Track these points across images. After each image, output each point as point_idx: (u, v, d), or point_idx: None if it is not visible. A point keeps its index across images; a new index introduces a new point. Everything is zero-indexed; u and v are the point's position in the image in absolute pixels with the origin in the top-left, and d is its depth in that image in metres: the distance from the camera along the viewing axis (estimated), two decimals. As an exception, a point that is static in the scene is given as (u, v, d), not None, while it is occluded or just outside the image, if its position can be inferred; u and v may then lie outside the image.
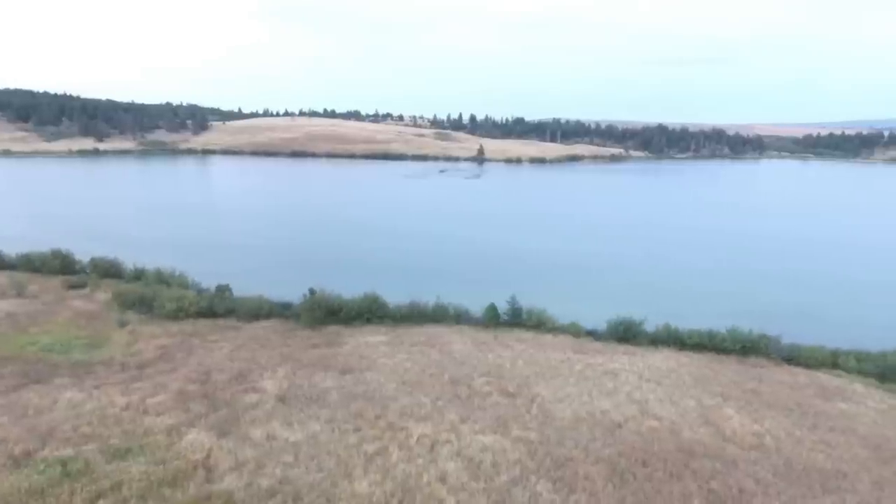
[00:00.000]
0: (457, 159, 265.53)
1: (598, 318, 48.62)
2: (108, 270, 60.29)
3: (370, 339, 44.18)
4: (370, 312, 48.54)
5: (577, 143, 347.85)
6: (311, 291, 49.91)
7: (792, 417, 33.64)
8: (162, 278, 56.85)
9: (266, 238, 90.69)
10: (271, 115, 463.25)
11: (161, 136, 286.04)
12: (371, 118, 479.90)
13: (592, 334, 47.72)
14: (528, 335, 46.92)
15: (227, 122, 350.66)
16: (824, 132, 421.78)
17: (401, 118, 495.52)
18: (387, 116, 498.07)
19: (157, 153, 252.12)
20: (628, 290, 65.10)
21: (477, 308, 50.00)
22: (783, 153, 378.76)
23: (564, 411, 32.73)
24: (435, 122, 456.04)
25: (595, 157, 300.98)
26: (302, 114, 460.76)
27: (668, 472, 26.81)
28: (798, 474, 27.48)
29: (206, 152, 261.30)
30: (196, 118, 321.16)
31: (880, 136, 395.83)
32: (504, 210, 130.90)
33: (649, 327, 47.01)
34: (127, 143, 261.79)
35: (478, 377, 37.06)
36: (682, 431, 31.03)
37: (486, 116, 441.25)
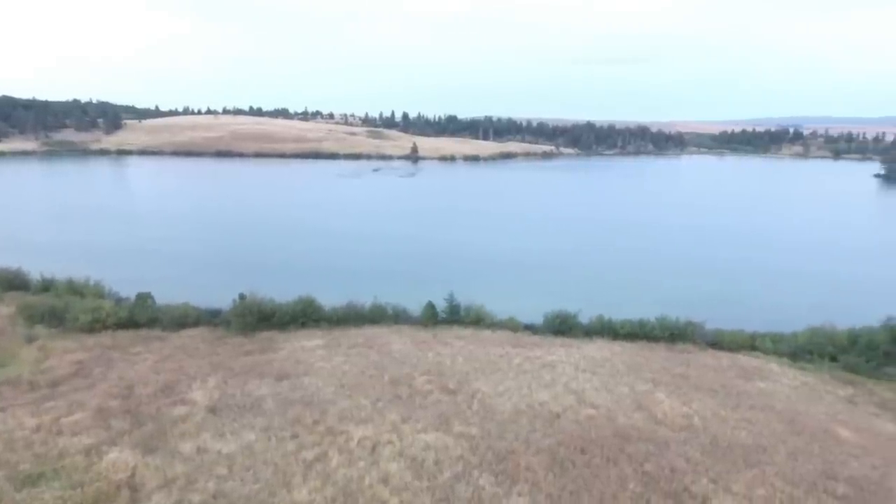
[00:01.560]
0: (390, 158, 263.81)
1: (535, 312, 49.47)
2: (11, 282, 55.22)
3: (306, 344, 42.98)
4: (305, 316, 47.21)
5: (510, 140, 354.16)
6: (242, 296, 48.00)
7: (717, 398, 35.43)
8: (74, 288, 52.80)
9: (190, 242, 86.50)
10: (192, 113, 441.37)
11: (69, 135, 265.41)
12: (300, 116, 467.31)
13: (530, 328, 48.49)
14: (467, 332, 47.10)
15: (144, 121, 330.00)
16: (738, 129, 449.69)
17: (331, 116, 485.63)
18: (317, 114, 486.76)
19: (65, 154, 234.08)
20: (563, 284, 66.78)
21: (415, 307, 49.72)
22: (702, 149, 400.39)
23: (505, 405, 33.03)
24: (367, 121, 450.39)
25: (528, 155, 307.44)
26: (226, 112, 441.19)
27: (605, 457, 27.55)
28: (723, 451, 28.92)
29: (122, 153, 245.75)
30: (108, 116, 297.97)
31: (786, 132, 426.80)
32: (440, 208, 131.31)
33: (584, 319, 48.32)
34: (29, 144, 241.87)
35: (418, 376, 36.80)
36: (617, 418, 32.01)
37: (419, 114, 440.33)
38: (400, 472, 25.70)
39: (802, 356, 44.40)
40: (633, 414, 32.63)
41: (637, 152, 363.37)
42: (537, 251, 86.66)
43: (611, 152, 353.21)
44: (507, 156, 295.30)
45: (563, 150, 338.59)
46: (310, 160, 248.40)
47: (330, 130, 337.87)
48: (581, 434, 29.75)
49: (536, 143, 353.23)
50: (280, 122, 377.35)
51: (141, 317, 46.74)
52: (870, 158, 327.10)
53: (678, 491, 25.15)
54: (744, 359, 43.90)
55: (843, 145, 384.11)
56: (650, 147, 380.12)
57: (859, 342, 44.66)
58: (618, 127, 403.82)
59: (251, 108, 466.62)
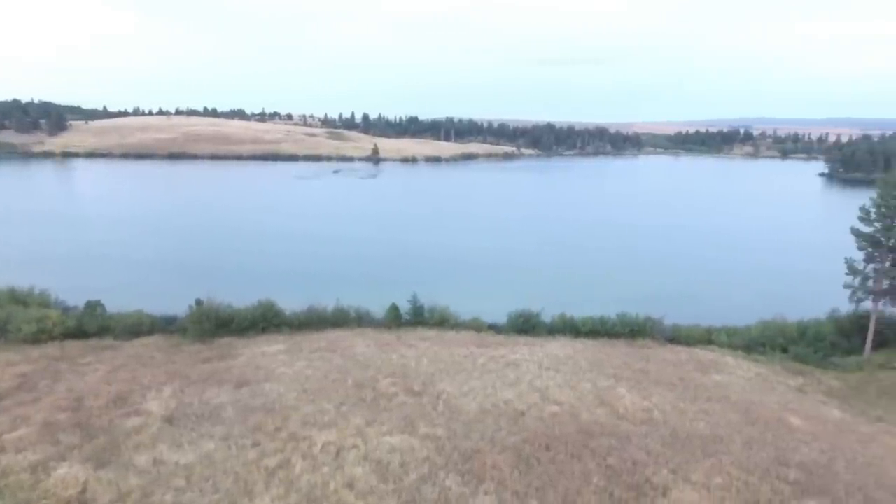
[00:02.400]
0: (351, 159, 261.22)
1: (498, 312, 49.77)
2: (-56, 293, 52.23)
3: (267, 349, 42.07)
4: (265, 321, 46.25)
5: (472, 141, 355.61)
6: (198, 302, 46.64)
7: (676, 391, 36.31)
8: (17, 298, 49.96)
9: (143, 248, 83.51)
10: (143, 113, 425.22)
11: (8, 136, 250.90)
12: (257, 117, 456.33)
13: (494, 328, 48.77)
14: (431, 333, 46.98)
15: (91, 122, 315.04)
16: (692, 130, 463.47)
17: (290, 117, 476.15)
18: (274, 115, 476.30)
19: (4, 157, 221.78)
20: (526, 284, 67.38)
21: (379, 309, 49.36)
22: (658, 149, 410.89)
23: (470, 405, 33.03)
24: (326, 122, 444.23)
25: (489, 156, 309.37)
26: (179, 113, 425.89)
27: (569, 453, 27.83)
28: (683, 442, 29.62)
29: (67, 155, 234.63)
30: (51, 117, 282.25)
31: (738, 133, 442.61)
32: (402, 209, 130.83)
33: (546, 318, 48.92)
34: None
35: (382, 378, 36.47)
36: (580, 414, 32.41)
37: (380, 115, 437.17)
38: (365, 475, 25.37)
39: (755, 348, 46.03)
40: (595, 409, 33.10)
41: (596, 153, 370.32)
42: (500, 251, 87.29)
43: (570, 153, 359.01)
44: (469, 157, 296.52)
45: (524, 150, 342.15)
46: (268, 162, 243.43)
47: (288, 131, 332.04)
48: (545, 431, 29.99)
49: (498, 143, 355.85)
50: (236, 122, 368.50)
51: (90, 326, 44.88)
52: (815, 158, 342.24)
53: (640, 483, 25.60)
54: (701, 352, 45.16)
55: (790, 145, 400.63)
56: (608, 147, 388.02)
57: (807, 334, 46.62)
58: (577, 128, 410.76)
59: (206, 108, 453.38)
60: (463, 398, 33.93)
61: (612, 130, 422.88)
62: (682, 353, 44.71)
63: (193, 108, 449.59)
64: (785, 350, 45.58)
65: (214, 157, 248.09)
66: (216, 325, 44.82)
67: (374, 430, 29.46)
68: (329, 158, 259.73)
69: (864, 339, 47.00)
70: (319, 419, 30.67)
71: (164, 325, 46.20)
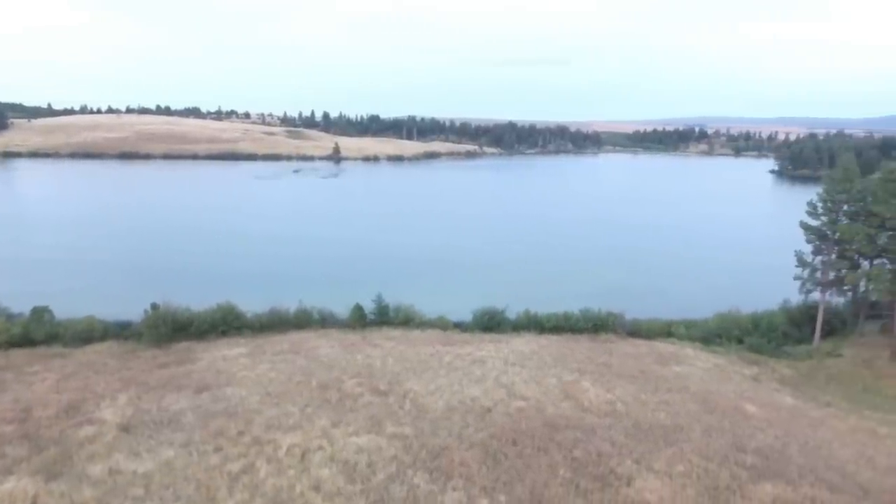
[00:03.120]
0: (312, 158, 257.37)
1: (463, 310, 49.91)
2: None
3: (228, 353, 41.05)
4: (225, 324, 45.15)
5: (434, 140, 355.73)
6: (154, 306, 45.13)
7: (637, 384, 37.09)
8: (-45, 305, 47.73)
9: (94, 251, 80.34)
10: (91, 111, 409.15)
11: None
12: (213, 116, 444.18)
13: (459, 326, 48.90)
14: (396, 332, 46.74)
15: (35, 121, 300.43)
16: (650, 128, 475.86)
17: (247, 116, 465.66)
18: (231, 114, 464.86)
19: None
20: (491, 281, 67.74)
21: (343, 310, 48.83)
22: (617, 147, 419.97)
23: (437, 403, 32.98)
24: (286, 120, 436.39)
25: (452, 154, 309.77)
26: (130, 111, 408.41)
27: (535, 447, 28.06)
28: (645, 433, 30.26)
29: (8, 155, 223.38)
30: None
31: (693, 131, 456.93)
32: (365, 209, 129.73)
33: (511, 315, 49.32)
34: None
35: (348, 379, 36.07)
36: (546, 408, 32.74)
37: (341, 114, 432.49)
38: (332, 477, 25.00)
39: (713, 340, 47.52)
40: (560, 403, 33.50)
41: (557, 151, 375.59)
42: (465, 249, 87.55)
43: (532, 151, 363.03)
44: (432, 155, 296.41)
45: (486, 149, 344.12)
46: (225, 162, 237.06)
47: (246, 130, 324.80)
48: (512, 426, 30.18)
49: (460, 142, 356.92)
50: (191, 121, 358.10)
51: (38, 333, 42.91)
52: (765, 156, 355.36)
53: (605, 473, 26.01)
54: (661, 345, 46.29)
55: (743, 143, 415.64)
56: (569, 146, 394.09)
57: (761, 325, 48.37)
58: (538, 127, 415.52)
59: (159, 106, 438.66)
60: (430, 396, 33.84)
61: (573, 129, 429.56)
62: (642, 346, 45.72)
63: (145, 107, 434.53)
64: (740, 341, 47.19)
65: (168, 156, 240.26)
66: (173, 329, 43.50)
67: (340, 431, 29.09)
68: (289, 158, 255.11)
69: (814, 328, 49.10)
70: (284, 422, 30.09)
71: (118, 331, 44.56)
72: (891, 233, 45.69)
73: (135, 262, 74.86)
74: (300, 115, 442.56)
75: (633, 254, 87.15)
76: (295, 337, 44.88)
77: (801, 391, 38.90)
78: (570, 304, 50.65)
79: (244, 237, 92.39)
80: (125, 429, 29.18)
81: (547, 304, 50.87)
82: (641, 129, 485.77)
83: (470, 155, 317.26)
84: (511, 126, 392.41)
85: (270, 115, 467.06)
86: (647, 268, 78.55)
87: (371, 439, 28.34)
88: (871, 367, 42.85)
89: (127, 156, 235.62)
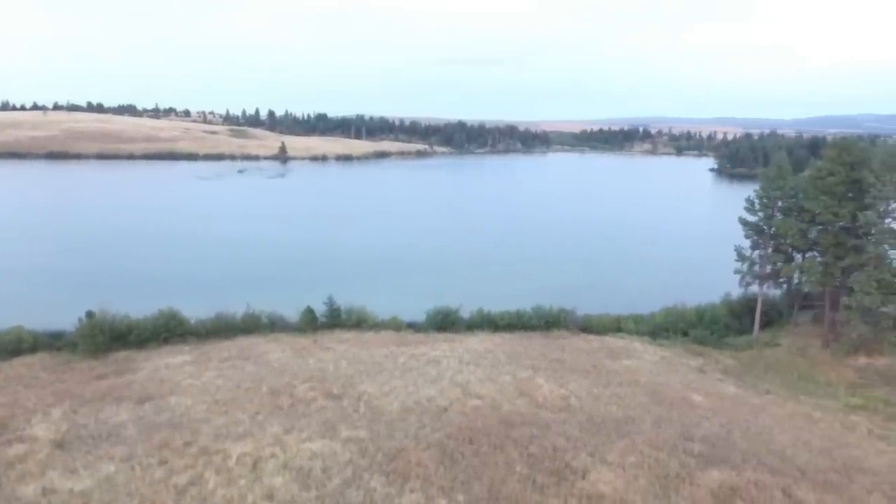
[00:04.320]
0: (257, 158, 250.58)
1: (417, 310, 49.64)
2: None
3: (171, 361, 39.38)
4: (168, 331, 43.31)
5: (384, 139, 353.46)
6: (90, 314, 42.71)
7: (590, 378, 37.79)
8: None
9: (19, 256, 75.47)
10: (13, 108, 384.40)
11: None
12: (151, 114, 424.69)
13: (413, 326, 48.60)
14: (349, 335, 46.03)
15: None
16: (596, 128, 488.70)
17: (187, 114, 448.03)
18: (170, 112, 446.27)
19: None
20: (444, 281, 67.69)
21: (293, 313, 47.69)
22: (565, 147, 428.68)
23: (392, 404, 32.61)
24: (229, 119, 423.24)
25: (402, 154, 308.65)
26: (58, 108, 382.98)
27: (492, 444, 28.12)
28: (598, 426, 30.83)
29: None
30: None
31: (637, 131, 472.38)
32: (314, 209, 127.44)
33: (465, 314, 49.41)
34: None
35: (300, 384, 35.20)
36: (501, 405, 32.89)
37: (287, 112, 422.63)
38: (285, 485, 24.28)
39: (660, 334, 49.05)
40: (515, 400, 33.73)
41: (507, 150, 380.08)
42: (417, 249, 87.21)
43: (482, 150, 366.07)
44: (382, 155, 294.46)
45: (436, 148, 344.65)
46: (164, 162, 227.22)
47: (186, 129, 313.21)
48: (468, 425, 30.14)
49: (410, 142, 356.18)
50: (127, 119, 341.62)
51: (-41, 347, 39.97)
52: (705, 154, 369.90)
53: (560, 468, 26.31)
54: (611, 340, 47.37)
55: (684, 143, 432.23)
56: (518, 145, 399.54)
57: (705, 318, 50.30)
58: (488, 126, 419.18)
59: (90, 103, 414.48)
60: (384, 398, 33.43)
61: (522, 129, 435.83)
62: (594, 341, 46.67)
63: (75, 103, 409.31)
64: (686, 334, 48.90)
65: (102, 156, 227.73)
66: (111, 338, 41.39)
67: (293, 438, 28.32)
68: (233, 158, 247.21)
69: (753, 319, 51.37)
70: (233, 430, 29.05)
71: (50, 342, 42.04)
72: (820, 227, 48.26)
73: (66, 268, 70.79)
74: (244, 113, 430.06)
75: (583, 251, 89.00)
76: (243, 342, 43.52)
77: (743, 380, 40.58)
78: (522, 301, 51.18)
79: (187, 240, 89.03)
80: (60, 445, 27.49)
81: (500, 303, 51.24)
82: (588, 128, 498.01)
83: (420, 154, 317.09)
84: (461, 125, 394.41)
85: (212, 113, 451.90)
86: (598, 265, 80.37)
87: (325, 444, 27.71)
88: (805, 356, 45.17)
89: (55, 156, 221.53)
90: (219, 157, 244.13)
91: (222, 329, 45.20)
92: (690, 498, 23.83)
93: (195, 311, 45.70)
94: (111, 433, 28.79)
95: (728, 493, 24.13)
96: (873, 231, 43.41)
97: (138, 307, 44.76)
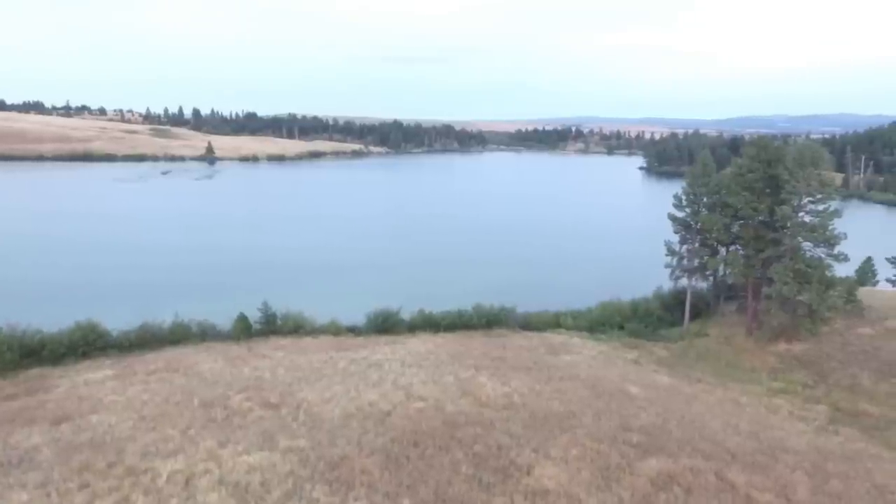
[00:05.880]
0: (182, 159, 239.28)
1: (356, 313, 48.69)
2: None
3: (91, 376, 36.70)
4: (87, 344, 40.32)
5: (317, 139, 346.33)
6: (-4, 329, 39.27)
7: (531, 375, 38.19)
8: None
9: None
10: None
11: None
12: (61, 111, 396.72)
13: (353, 330, 47.66)
14: (286, 341, 44.55)
15: None
16: (530, 128, 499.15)
17: (103, 112, 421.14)
18: (83, 110, 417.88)
19: None
20: (383, 282, 66.87)
21: (225, 321, 45.64)
22: (501, 146, 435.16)
23: (333, 411, 31.67)
24: (149, 117, 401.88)
25: (337, 154, 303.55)
26: None
27: (437, 446, 27.80)
28: (541, 422, 31.13)
29: None
30: None
31: (570, 131, 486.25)
32: (246, 212, 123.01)
33: (406, 315, 48.87)
34: None
35: (234, 395, 33.61)
36: (445, 406, 32.62)
37: (213, 111, 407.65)
38: (221, 501, 22.97)
39: (597, 328, 50.39)
40: (459, 400, 33.55)
41: (444, 150, 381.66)
42: (354, 251, 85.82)
43: (419, 150, 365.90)
44: (316, 155, 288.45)
45: (372, 148, 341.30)
46: (77, 163, 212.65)
47: (103, 128, 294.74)
48: (412, 428, 29.69)
49: (345, 141, 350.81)
50: (33, 117, 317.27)
51: None
52: (635, 153, 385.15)
53: (506, 465, 26.34)
54: (551, 336, 48.17)
55: (615, 142, 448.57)
56: (455, 145, 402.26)
57: (639, 311, 52.08)
58: (424, 125, 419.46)
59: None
60: (325, 405, 32.44)
61: (458, 128, 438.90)
62: (534, 338, 47.28)
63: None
64: (622, 327, 50.44)
65: (5, 157, 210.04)
66: (21, 354, 38.06)
67: (228, 452, 26.90)
68: (155, 159, 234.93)
69: (683, 311, 53.63)
70: (163, 447, 27.28)
71: (-51, 362, 38.17)
72: (742, 222, 50.99)
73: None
74: (166, 111, 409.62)
75: (522, 249, 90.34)
76: (171, 354, 41.19)
77: (676, 370, 42.22)
78: (464, 301, 51.23)
79: (107, 247, 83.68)
80: (-38, 475, 24.86)
81: (441, 303, 51.07)
82: (523, 128, 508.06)
83: (356, 154, 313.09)
84: (397, 125, 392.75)
85: (131, 111, 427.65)
86: (537, 262, 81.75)
87: (264, 456, 26.49)
88: (731, 344, 47.57)
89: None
90: (140, 159, 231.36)
91: (148, 340, 42.62)
92: (630, 487, 24.40)
93: (117, 322, 42.88)
94: (23, 458, 26.37)
95: (666, 480, 24.89)
96: (789, 224, 46.22)
97: (53, 320, 41.48)
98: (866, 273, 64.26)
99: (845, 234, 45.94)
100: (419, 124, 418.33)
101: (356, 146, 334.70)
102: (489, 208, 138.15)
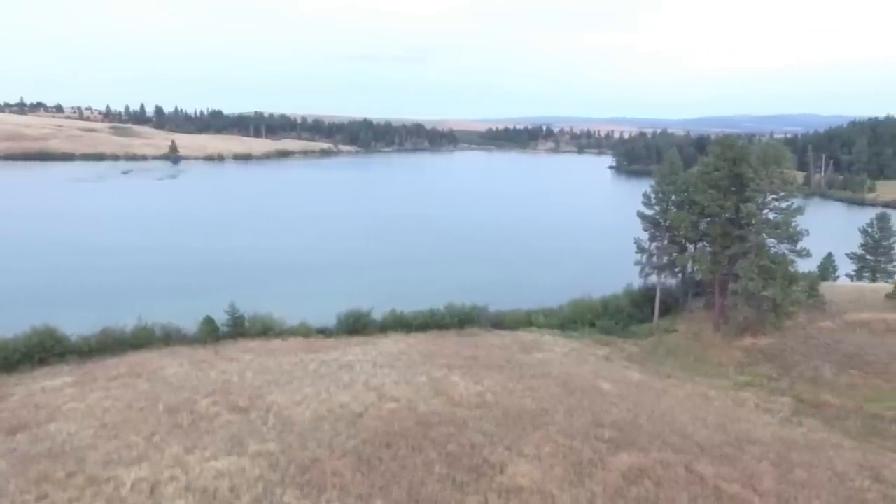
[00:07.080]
0: (144, 158, 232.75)
1: (327, 314, 48.04)
2: None
3: (48, 383, 35.33)
4: (44, 350, 38.89)
5: (285, 138, 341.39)
6: (-53, 335, 37.49)
7: (504, 373, 38.19)
8: None
9: None
10: None
11: None
12: (15, 108, 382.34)
13: (323, 332, 47.02)
14: (254, 344, 43.68)
15: None
16: (501, 127, 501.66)
17: (59, 109, 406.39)
18: (39, 107, 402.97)
19: None
20: (353, 283, 66.14)
21: (191, 324, 44.49)
22: (472, 145, 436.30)
23: (303, 414, 31.09)
24: (109, 115, 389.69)
25: (306, 153, 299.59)
26: None
27: (410, 447, 27.52)
28: (514, 420, 31.13)
29: None
30: None
31: (541, 130, 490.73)
32: (211, 212, 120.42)
33: (377, 316, 48.42)
34: None
35: (201, 399, 32.73)
36: (418, 406, 32.34)
37: (177, 108, 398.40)
38: (188, 510, 22.26)
39: (569, 326, 50.77)
40: (432, 400, 33.32)
41: (414, 149, 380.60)
42: (324, 251, 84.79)
43: (389, 149, 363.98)
44: (284, 154, 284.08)
45: (342, 147, 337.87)
46: (32, 162, 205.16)
47: (59, 126, 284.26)
48: (385, 429, 29.34)
49: (313, 140, 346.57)
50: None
51: None
52: (604, 152, 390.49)
53: (479, 464, 26.23)
54: (523, 334, 48.32)
55: (585, 141, 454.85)
56: (426, 144, 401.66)
57: (609, 308, 52.62)
58: (394, 124, 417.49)
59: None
60: (296, 408, 31.82)
61: (429, 127, 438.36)
62: (506, 336, 47.36)
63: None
64: (593, 325, 50.92)
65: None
66: (-26, 361, 36.44)
67: (195, 458, 26.13)
68: (115, 158, 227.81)
69: (653, 308, 54.43)
70: (126, 455, 26.35)
71: None
72: (709, 219, 51.98)
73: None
74: (127, 109, 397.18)
75: (494, 248, 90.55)
76: (134, 359, 39.95)
77: (646, 366, 42.79)
78: (435, 300, 51.02)
79: (65, 249, 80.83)
80: None
81: (413, 303, 50.76)
82: (494, 127, 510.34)
83: (325, 153, 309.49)
84: (367, 123, 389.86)
85: (89, 108, 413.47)
86: (508, 261, 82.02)
87: (232, 461, 25.81)
88: (699, 340, 48.46)
89: None
90: (99, 158, 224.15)
91: (109, 345, 41.27)
92: (603, 482, 24.54)
93: (77, 326, 41.39)
94: (-25, 471, 25.14)
95: (637, 474, 25.12)
96: (753, 221, 47.31)
97: (7, 325, 39.83)
98: (827, 268, 66.24)
99: (807, 230, 47.25)
100: (389, 123, 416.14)
101: (325, 145, 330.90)
102: (460, 207, 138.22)
